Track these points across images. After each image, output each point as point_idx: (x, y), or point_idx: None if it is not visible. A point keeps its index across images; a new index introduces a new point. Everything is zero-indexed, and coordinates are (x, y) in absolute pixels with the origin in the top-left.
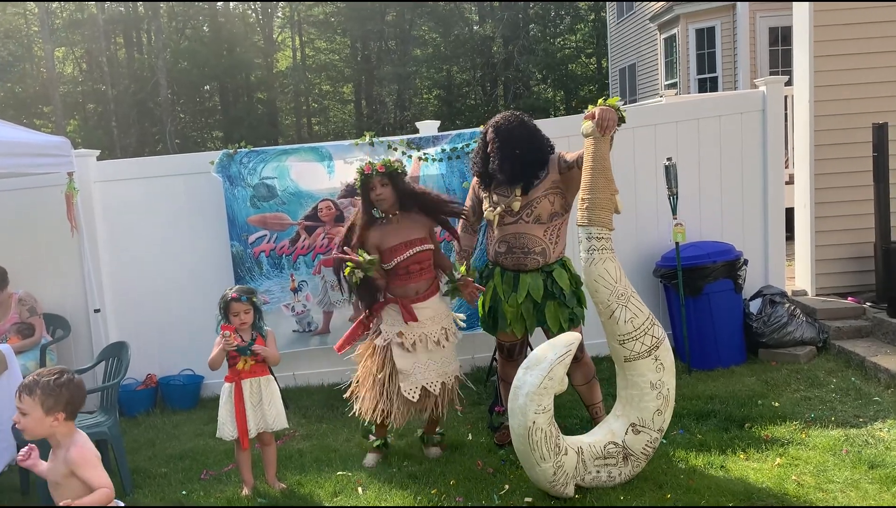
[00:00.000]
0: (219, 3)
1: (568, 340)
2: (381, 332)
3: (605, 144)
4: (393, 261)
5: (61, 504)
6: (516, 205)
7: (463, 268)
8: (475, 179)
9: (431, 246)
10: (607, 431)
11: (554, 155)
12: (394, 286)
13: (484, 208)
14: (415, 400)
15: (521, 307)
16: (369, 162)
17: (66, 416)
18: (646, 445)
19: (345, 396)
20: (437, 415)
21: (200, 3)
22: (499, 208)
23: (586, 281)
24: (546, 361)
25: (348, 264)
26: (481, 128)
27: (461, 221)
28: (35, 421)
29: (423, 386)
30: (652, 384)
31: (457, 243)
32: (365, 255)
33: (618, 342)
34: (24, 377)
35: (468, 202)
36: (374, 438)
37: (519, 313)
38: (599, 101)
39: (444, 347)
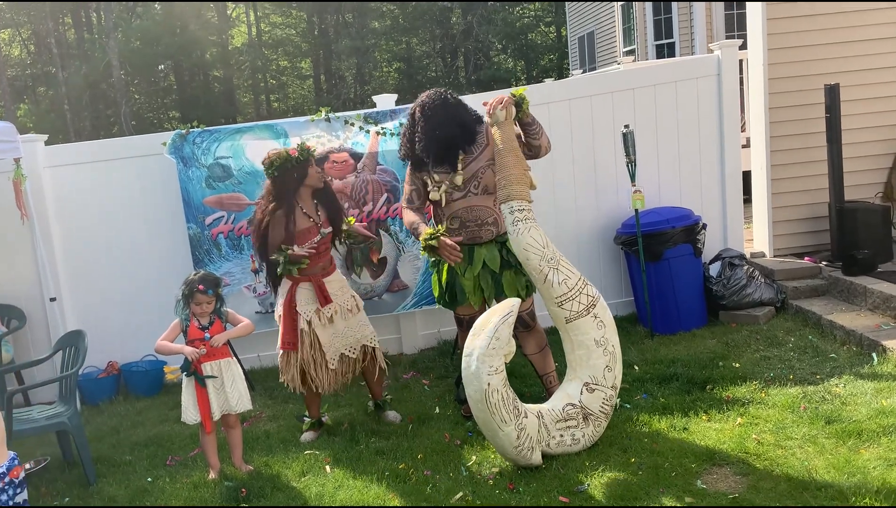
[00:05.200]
0: None
1: (509, 303)
2: (299, 314)
3: (509, 126)
4: (306, 244)
5: None
6: (459, 180)
7: (432, 230)
8: (409, 166)
9: (330, 229)
10: (563, 395)
11: (484, 126)
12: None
13: (429, 189)
14: (333, 367)
15: (479, 279)
16: (297, 146)
17: None
18: (603, 403)
19: (280, 379)
20: (370, 375)
21: None
22: (443, 187)
23: (517, 251)
24: (491, 324)
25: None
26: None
27: (405, 201)
28: None
29: (341, 353)
30: (596, 341)
31: (408, 221)
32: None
33: (556, 305)
34: None
35: (408, 187)
36: (307, 419)
37: (477, 284)
38: (513, 90)
39: (354, 313)
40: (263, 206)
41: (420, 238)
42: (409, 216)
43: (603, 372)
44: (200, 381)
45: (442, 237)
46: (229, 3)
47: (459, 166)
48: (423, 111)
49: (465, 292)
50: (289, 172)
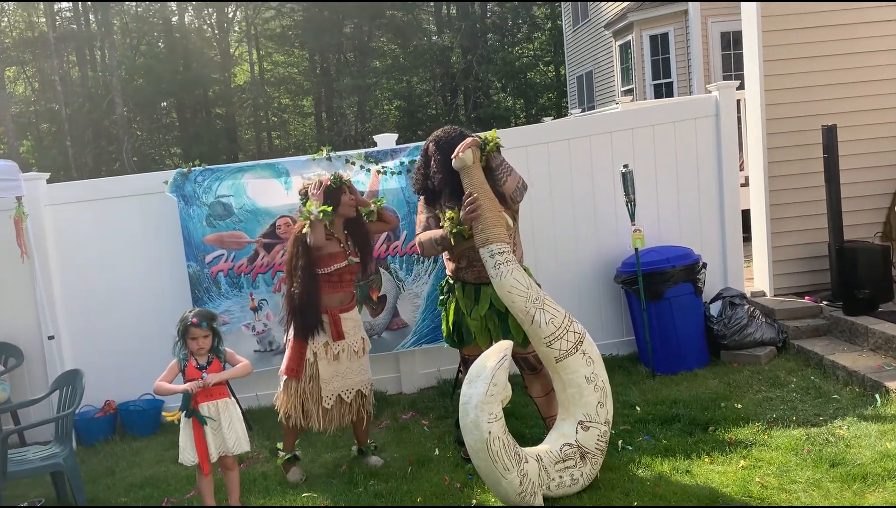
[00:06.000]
0: (174, 18)
1: (502, 345)
2: (307, 344)
3: (477, 170)
4: (332, 266)
5: None
6: None
7: (451, 214)
8: (421, 198)
9: (358, 261)
10: (558, 435)
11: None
12: (324, 294)
13: (441, 224)
14: (328, 407)
15: (487, 320)
16: (331, 175)
17: None
18: (598, 439)
19: (276, 406)
20: (359, 422)
21: (155, 20)
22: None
23: (501, 295)
24: (487, 369)
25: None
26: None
27: (419, 229)
28: None
29: (338, 394)
30: (587, 378)
31: (426, 237)
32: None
33: (545, 345)
34: None
35: (422, 217)
36: (282, 454)
37: (484, 325)
38: (483, 134)
39: (359, 356)
40: (296, 231)
41: (449, 231)
42: (426, 234)
43: (596, 408)
44: (200, 419)
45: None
46: (232, 42)
47: None
48: (439, 145)
49: (471, 332)
50: (332, 191)
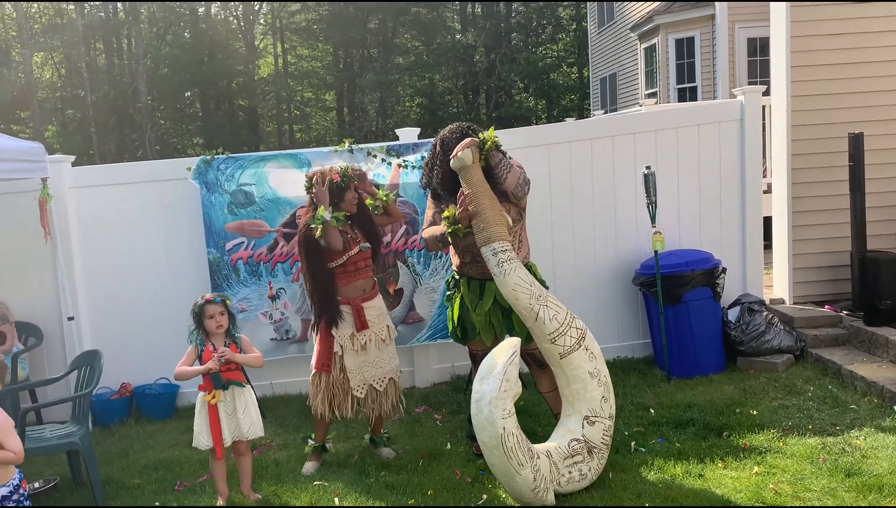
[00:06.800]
0: (200, 9)
1: (511, 342)
2: (334, 337)
3: (477, 169)
4: (345, 256)
5: None
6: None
7: (449, 212)
8: (429, 193)
9: (369, 245)
10: (565, 431)
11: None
12: (342, 286)
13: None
14: (361, 396)
15: (490, 315)
16: (341, 170)
17: None
18: (603, 434)
19: (308, 403)
20: (385, 412)
21: (182, 10)
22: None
23: (505, 293)
24: (498, 366)
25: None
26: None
27: (426, 224)
28: None
29: (370, 384)
30: (590, 373)
31: (430, 233)
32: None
33: (549, 342)
34: None
35: (429, 212)
36: (311, 442)
37: (487, 321)
38: (482, 134)
39: (387, 343)
40: (305, 219)
41: (445, 229)
42: (429, 230)
43: (600, 403)
44: (237, 384)
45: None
46: (257, 35)
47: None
48: (443, 143)
49: (475, 327)
50: (339, 186)
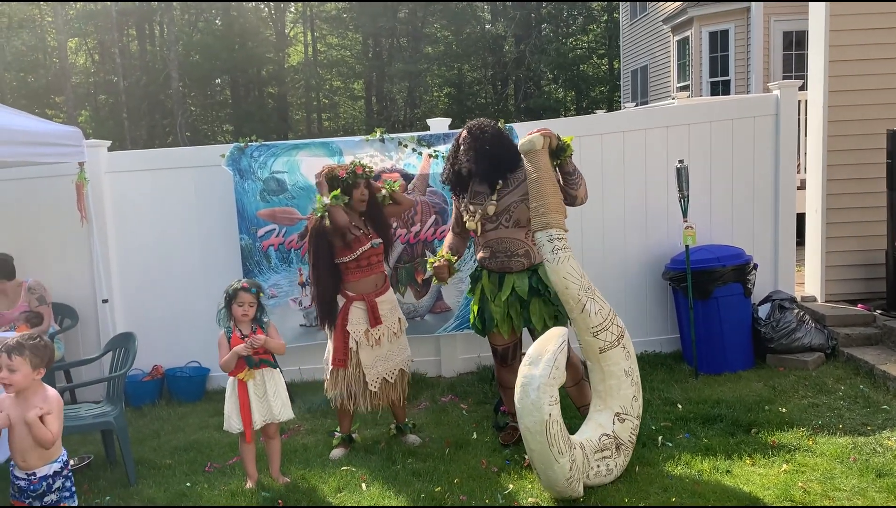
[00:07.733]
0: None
1: (559, 331)
2: (349, 333)
3: (544, 155)
4: (357, 251)
5: None
6: (491, 209)
7: (432, 260)
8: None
9: (381, 241)
10: (595, 425)
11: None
12: (355, 281)
13: (465, 219)
14: (375, 390)
15: (509, 306)
16: (361, 163)
17: (44, 372)
18: (631, 432)
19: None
20: (399, 401)
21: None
22: (477, 216)
23: (555, 280)
24: (549, 352)
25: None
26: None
27: (451, 225)
28: (24, 377)
29: (383, 377)
30: (626, 371)
31: (445, 244)
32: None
33: (591, 335)
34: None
35: (455, 212)
36: (338, 434)
37: (506, 312)
38: (566, 137)
39: (398, 336)
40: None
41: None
42: (445, 242)
43: (631, 402)
44: (270, 364)
45: (435, 265)
46: (288, 23)
47: (495, 197)
48: (471, 131)
49: (493, 318)
50: (347, 184)
